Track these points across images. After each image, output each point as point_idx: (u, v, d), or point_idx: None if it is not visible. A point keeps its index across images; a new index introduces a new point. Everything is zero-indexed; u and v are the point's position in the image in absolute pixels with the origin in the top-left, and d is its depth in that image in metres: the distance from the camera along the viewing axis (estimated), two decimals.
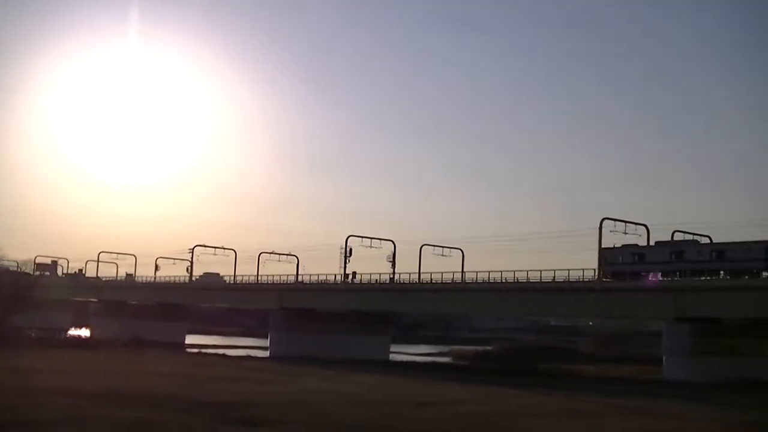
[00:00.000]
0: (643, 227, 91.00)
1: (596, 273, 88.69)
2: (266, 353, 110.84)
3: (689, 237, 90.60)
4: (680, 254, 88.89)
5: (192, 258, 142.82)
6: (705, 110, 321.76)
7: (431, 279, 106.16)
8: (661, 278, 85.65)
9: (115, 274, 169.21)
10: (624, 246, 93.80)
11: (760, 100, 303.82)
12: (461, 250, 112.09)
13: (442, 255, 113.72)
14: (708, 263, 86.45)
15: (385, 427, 36.91)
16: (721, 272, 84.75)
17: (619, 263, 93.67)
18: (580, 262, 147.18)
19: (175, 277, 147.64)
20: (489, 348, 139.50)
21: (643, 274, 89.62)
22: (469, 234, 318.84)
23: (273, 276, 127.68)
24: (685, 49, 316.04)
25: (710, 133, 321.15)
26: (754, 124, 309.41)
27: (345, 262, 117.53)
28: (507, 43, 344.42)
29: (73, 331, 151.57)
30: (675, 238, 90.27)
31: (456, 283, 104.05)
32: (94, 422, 34.37)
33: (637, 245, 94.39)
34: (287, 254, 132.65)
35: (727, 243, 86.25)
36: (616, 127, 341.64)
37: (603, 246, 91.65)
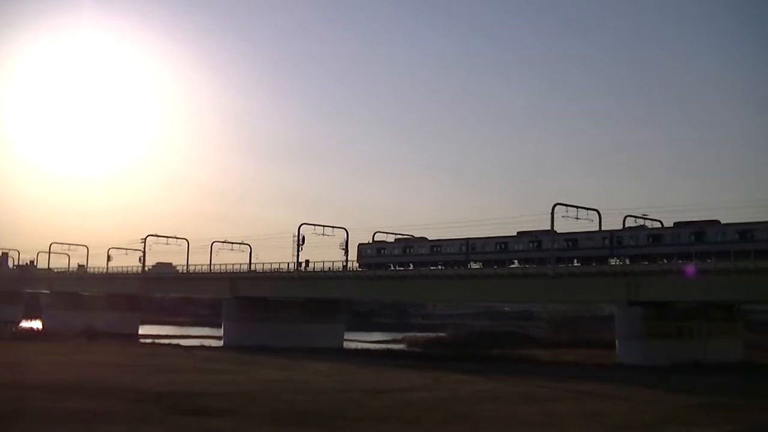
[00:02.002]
0: (595, 212, 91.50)
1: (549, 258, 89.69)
2: (220, 343, 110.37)
3: (640, 222, 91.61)
4: (409, 249, 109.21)
5: (144, 248, 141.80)
6: (665, 95, 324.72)
7: None
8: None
9: (67, 266, 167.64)
10: (374, 242, 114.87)
11: (717, 84, 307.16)
12: (412, 236, 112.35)
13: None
14: (427, 256, 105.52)
15: (337, 414, 36.91)
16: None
17: (368, 256, 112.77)
18: None
19: (127, 267, 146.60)
20: (442, 334, 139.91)
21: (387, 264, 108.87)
22: (423, 221, 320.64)
23: (226, 265, 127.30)
24: (641, 33, 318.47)
25: (668, 118, 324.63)
26: (711, 110, 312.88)
27: (298, 251, 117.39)
28: (465, 29, 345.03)
29: (24, 324, 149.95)
30: (626, 224, 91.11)
31: (409, 270, 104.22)
32: (45, 415, 34.05)
33: (384, 241, 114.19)
34: (240, 243, 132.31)
35: (443, 239, 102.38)
36: (573, 113, 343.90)
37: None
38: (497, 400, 44.62)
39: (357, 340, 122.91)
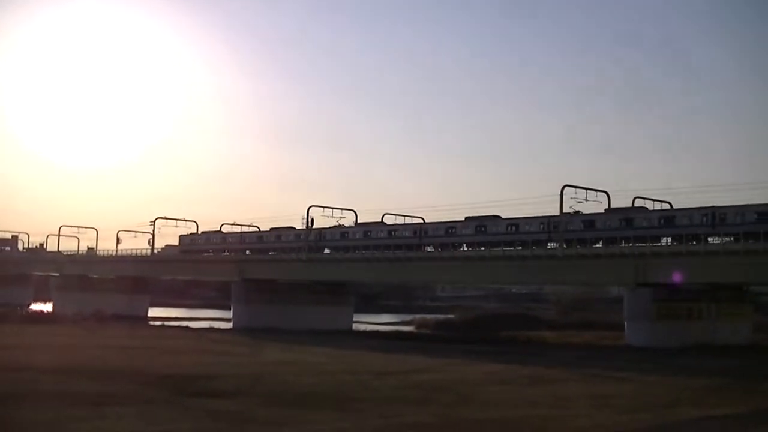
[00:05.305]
0: (604, 194, 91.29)
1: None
2: (230, 325, 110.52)
3: (649, 203, 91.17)
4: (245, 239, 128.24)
5: (153, 230, 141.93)
6: (663, 78, 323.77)
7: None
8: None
9: (76, 248, 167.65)
10: (193, 233, 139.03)
11: (717, 69, 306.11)
12: (423, 219, 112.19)
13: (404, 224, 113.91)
14: (269, 243, 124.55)
15: (344, 396, 36.97)
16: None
17: (188, 244, 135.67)
18: None
19: (136, 250, 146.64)
20: (451, 316, 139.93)
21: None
22: (432, 202, 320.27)
23: None
24: (645, 18, 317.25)
25: (670, 101, 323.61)
26: (710, 92, 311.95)
27: (308, 233, 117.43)
28: (466, 8, 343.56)
29: (34, 306, 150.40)
30: (635, 205, 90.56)
31: (418, 252, 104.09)
32: (55, 397, 34.10)
33: (195, 234, 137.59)
34: (249, 225, 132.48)
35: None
36: (579, 95, 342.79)
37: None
38: (505, 383, 44.70)
39: (366, 322, 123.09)
